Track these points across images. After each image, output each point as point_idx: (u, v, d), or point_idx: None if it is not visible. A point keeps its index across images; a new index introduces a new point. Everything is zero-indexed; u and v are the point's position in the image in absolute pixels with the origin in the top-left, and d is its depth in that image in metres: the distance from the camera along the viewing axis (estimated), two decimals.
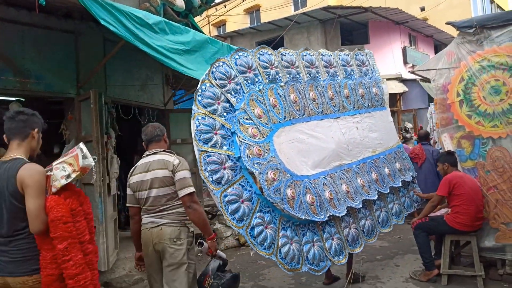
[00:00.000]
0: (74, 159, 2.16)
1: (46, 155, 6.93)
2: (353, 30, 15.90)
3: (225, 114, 3.49)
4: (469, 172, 4.48)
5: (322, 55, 4.61)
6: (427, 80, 7.95)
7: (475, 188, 4.24)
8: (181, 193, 2.77)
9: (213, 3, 9.60)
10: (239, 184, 3.34)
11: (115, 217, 5.26)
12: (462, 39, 4.64)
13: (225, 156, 3.32)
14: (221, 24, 25.27)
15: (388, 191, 4.59)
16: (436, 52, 16.28)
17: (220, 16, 19.19)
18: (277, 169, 3.54)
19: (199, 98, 3.41)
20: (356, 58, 5.02)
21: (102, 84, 5.09)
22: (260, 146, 3.52)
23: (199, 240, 2.94)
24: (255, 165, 3.38)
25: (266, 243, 3.33)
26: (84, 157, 2.15)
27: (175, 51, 4.06)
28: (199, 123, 3.32)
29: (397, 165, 4.88)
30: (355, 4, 13.82)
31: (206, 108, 3.41)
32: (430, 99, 12.59)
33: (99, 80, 5.04)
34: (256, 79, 3.82)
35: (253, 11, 24.67)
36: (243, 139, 3.42)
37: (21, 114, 2.24)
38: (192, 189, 2.80)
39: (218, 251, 3.04)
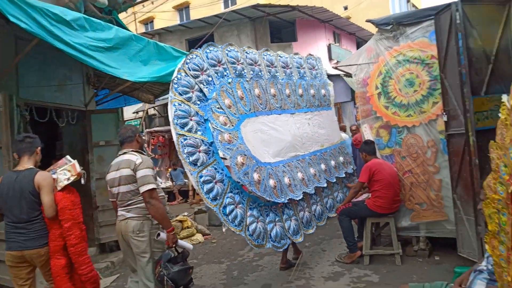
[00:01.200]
0: (72, 167, 3.15)
1: None
2: (281, 28, 16.28)
3: (198, 102, 3.81)
4: (387, 159, 4.83)
5: (280, 56, 5.14)
6: (349, 75, 8.41)
7: (393, 173, 4.59)
8: (141, 189, 3.07)
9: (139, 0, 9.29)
10: (212, 166, 3.66)
11: None
12: (381, 35, 4.95)
13: (200, 140, 3.62)
14: (148, 21, 24.55)
15: (335, 180, 5.14)
16: (358, 49, 17.18)
17: (148, 12, 18.63)
18: (245, 155, 3.90)
19: (175, 86, 3.69)
20: (307, 61, 5.65)
21: (14, 86, 4.70)
22: (230, 133, 3.88)
23: (158, 231, 3.17)
24: (226, 150, 3.72)
25: (236, 220, 3.67)
26: (79, 166, 3.20)
27: (96, 48, 3.89)
28: (176, 109, 3.59)
29: (341, 158, 5.46)
30: (283, 3, 14.17)
31: (182, 95, 3.70)
32: (353, 93, 13.33)
33: (10, 81, 4.64)
34: (225, 73, 4.20)
35: (182, 8, 24.27)
36: (215, 126, 3.76)
37: (28, 137, 3.19)
38: (151, 186, 3.06)
39: (183, 242, 3.32)
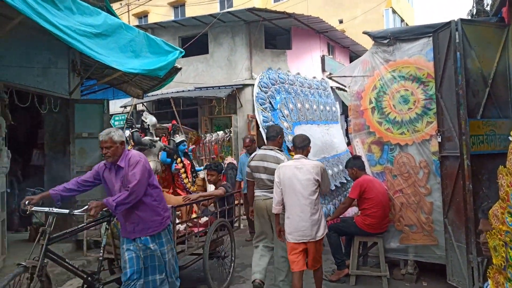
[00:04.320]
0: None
1: None
2: (276, 35, 16.15)
3: (270, 111, 5.05)
4: (377, 176, 4.68)
5: (305, 79, 6.53)
6: (342, 87, 8.33)
7: (383, 192, 4.44)
8: None
9: None
10: None
11: (3, 218, 4.59)
12: (377, 49, 4.81)
13: None
14: (143, 15, 24.27)
15: (346, 181, 6.19)
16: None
17: (142, 5, 18.31)
18: None
19: (257, 98, 5.04)
20: (321, 84, 7.08)
21: None
22: (291, 136, 4.90)
23: None
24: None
25: None
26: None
27: (83, 33, 3.66)
28: (262, 116, 4.89)
29: None
30: (279, 9, 14.05)
31: (261, 105, 4.98)
32: (344, 107, 13.27)
33: None
34: (280, 90, 5.45)
35: (178, 6, 24.05)
36: (284, 130, 4.65)
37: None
38: None
39: None
